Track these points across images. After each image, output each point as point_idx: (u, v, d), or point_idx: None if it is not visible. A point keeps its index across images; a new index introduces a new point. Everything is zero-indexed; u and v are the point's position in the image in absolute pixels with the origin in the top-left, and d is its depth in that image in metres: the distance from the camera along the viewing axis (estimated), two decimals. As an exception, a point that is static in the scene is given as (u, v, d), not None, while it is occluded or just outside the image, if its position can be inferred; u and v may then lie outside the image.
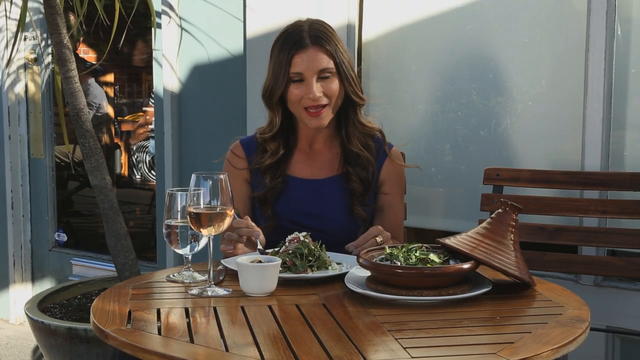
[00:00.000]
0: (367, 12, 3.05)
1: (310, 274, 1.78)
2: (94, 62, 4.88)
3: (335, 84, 2.07)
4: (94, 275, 3.80)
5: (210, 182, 1.67)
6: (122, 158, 5.40)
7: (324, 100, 2.06)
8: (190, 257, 1.84)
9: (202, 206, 1.67)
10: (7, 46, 3.99)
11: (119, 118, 5.38)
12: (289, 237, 1.87)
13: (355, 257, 1.80)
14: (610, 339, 2.56)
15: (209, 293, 1.68)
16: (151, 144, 5.11)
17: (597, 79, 2.50)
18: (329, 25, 2.13)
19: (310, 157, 2.19)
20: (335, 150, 2.19)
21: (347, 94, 2.11)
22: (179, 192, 1.79)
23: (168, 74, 3.49)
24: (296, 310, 1.58)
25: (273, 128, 2.13)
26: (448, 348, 1.37)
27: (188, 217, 1.69)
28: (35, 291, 4.18)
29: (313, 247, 1.82)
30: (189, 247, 1.81)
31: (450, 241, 1.72)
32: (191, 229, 1.73)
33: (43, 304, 3.12)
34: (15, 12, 3.71)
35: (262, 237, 1.93)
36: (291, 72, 2.05)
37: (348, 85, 2.09)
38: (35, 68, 4.09)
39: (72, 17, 3.96)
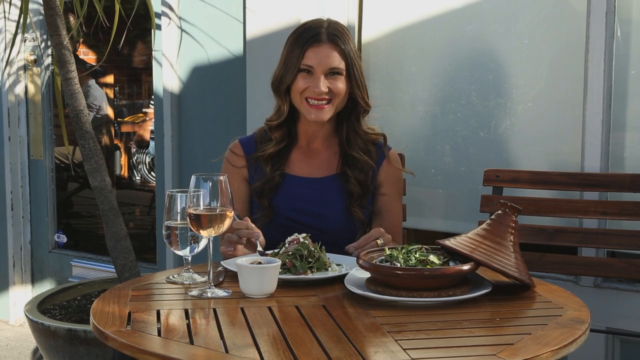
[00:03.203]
0: (367, 13, 3.05)
1: (310, 276, 1.78)
2: (94, 64, 4.88)
3: (342, 84, 2.09)
4: (94, 277, 3.80)
5: (210, 184, 1.67)
6: (122, 159, 5.40)
7: (327, 96, 2.08)
8: (190, 258, 1.84)
9: (201, 207, 1.67)
10: (6, 47, 3.99)
11: (119, 119, 5.38)
12: (289, 239, 1.87)
13: (355, 258, 1.80)
14: (610, 340, 2.56)
15: (209, 294, 1.68)
16: (151, 145, 5.12)
17: (596, 80, 2.50)
18: (347, 29, 2.16)
19: (308, 155, 2.20)
20: (333, 150, 2.20)
21: (354, 97, 2.13)
22: (179, 194, 1.79)
23: (168, 75, 3.49)
24: (296, 311, 1.58)
25: (281, 116, 2.15)
26: (448, 349, 1.37)
27: (188, 218, 1.69)
28: (35, 292, 4.18)
29: (313, 249, 1.82)
30: (188, 248, 1.81)
31: (450, 242, 1.72)
32: (191, 230, 1.73)
33: (43, 305, 3.12)
34: (15, 14, 3.71)
35: (262, 238, 1.93)
36: (302, 63, 2.07)
37: (356, 88, 2.12)
38: (35, 69, 4.09)
39: (72, 19, 3.96)
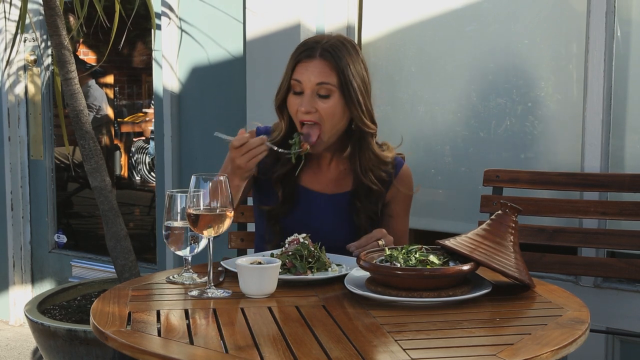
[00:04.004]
0: (367, 13, 3.05)
1: (310, 276, 1.78)
2: (94, 64, 4.89)
3: (331, 104, 1.97)
4: (94, 277, 3.80)
5: (210, 184, 1.67)
6: (122, 159, 5.41)
7: (316, 118, 1.97)
8: (190, 258, 1.84)
9: (201, 208, 1.67)
10: (6, 48, 3.99)
11: (118, 119, 5.38)
12: (289, 239, 1.86)
13: (355, 258, 1.80)
14: (610, 340, 2.56)
15: (209, 294, 1.68)
16: (151, 145, 5.12)
17: (596, 80, 2.50)
18: (351, 45, 2.03)
19: (317, 171, 2.11)
20: (343, 167, 2.11)
21: (353, 118, 2.01)
22: (179, 194, 1.79)
23: (168, 76, 3.49)
24: (296, 311, 1.58)
25: (280, 133, 2.06)
26: (448, 349, 1.38)
27: (187, 218, 1.69)
28: (35, 293, 4.18)
29: (313, 249, 1.82)
30: (188, 248, 1.81)
31: (450, 242, 1.72)
32: (191, 230, 1.73)
33: (43, 305, 3.12)
34: (15, 14, 3.71)
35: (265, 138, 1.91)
36: (292, 78, 2.00)
37: (353, 108, 1.98)
38: (35, 69, 4.09)
39: (71, 19, 3.96)
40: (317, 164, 2.11)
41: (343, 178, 2.11)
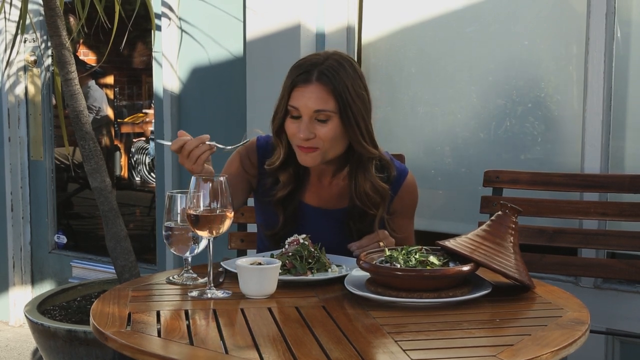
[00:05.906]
0: (367, 14, 3.05)
1: (310, 277, 1.78)
2: (94, 64, 4.88)
3: (330, 129, 1.91)
4: (94, 278, 3.80)
5: (210, 185, 1.67)
6: (122, 160, 5.40)
7: (314, 143, 1.92)
8: (190, 259, 1.84)
9: (201, 208, 1.67)
10: (7, 48, 3.99)
11: (118, 120, 5.37)
12: (289, 240, 1.86)
13: (355, 259, 1.80)
14: (610, 341, 2.56)
15: (209, 295, 1.68)
16: (151, 145, 5.11)
17: (596, 81, 2.50)
18: (349, 63, 1.96)
19: (318, 186, 2.08)
20: (344, 183, 2.07)
21: (352, 142, 1.95)
22: (179, 195, 1.79)
23: (168, 76, 3.49)
24: (296, 312, 1.58)
25: (279, 158, 2.00)
26: (447, 350, 1.38)
27: (187, 219, 1.69)
28: (35, 293, 4.18)
29: (313, 250, 1.82)
30: (188, 249, 1.81)
31: (450, 243, 1.72)
32: (191, 231, 1.73)
33: (43, 306, 3.12)
34: (15, 14, 3.71)
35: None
36: (289, 104, 1.94)
37: (352, 132, 1.92)
38: (35, 70, 4.09)
39: (72, 19, 3.96)
40: (318, 179, 2.08)
41: (344, 194, 2.06)
